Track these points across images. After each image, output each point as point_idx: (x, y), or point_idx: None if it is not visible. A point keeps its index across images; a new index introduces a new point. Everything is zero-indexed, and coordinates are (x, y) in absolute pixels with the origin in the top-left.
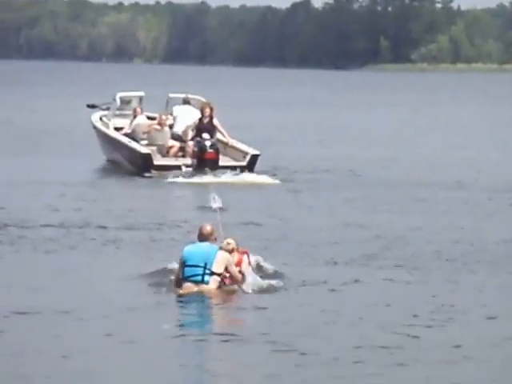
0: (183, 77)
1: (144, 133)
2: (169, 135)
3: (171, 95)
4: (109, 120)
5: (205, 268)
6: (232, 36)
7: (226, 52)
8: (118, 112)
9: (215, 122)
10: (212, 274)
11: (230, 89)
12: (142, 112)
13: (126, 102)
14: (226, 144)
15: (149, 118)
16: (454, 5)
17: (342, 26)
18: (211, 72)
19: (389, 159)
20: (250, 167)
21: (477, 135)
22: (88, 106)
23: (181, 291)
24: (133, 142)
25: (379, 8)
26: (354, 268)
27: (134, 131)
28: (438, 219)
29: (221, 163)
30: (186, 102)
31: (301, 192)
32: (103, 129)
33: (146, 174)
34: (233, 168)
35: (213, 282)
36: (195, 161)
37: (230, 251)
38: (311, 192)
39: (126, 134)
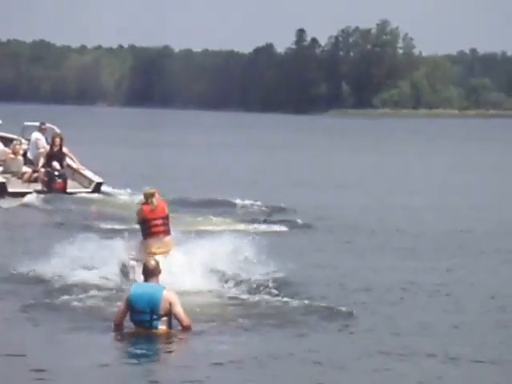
0: (146, 120)
1: (0, 160)
2: (22, 163)
3: (26, 123)
4: None
5: (152, 313)
6: (195, 80)
7: (189, 95)
8: None
9: (64, 150)
10: (159, 317)
11: (192, 132)
12: None
13: None
14: (74, 170)
15: (3, 138)
16: (416, 51)
17: (304, 71)
18: (174, 115)
19: (351, 204)
20: (96, 193)
21: (451, 179)
22: None
23: (129, 334)
24: None
25: (341, 53)
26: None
27: None
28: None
29: (69, 189)
30: (41, 129)
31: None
32: None
33: (1, 200)
34: (80, 194)
35: (162, 324)
36: (45, 188)
37: (152, 194)
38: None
39: None
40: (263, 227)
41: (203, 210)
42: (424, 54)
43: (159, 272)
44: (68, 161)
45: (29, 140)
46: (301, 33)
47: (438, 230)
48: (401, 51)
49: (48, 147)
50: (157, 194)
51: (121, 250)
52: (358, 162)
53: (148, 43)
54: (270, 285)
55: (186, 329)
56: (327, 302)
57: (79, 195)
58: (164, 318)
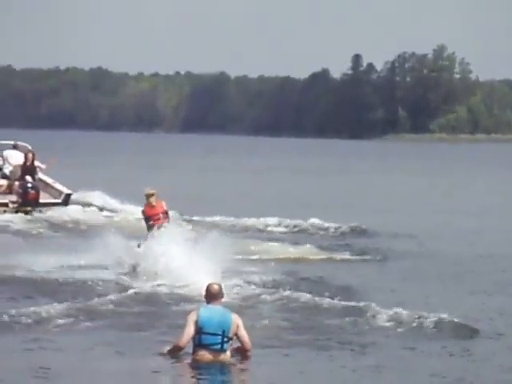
0: (202, 146)
1: None
2: None
3: (0, 142)
4: None
5: (223, 336)
6: (251, 106)
7: (244, 122)
8: None
9: (36, 163)
10: (229, 340)
11: (248, 158)
12: None
13: None
14: (46, 183)
15: None
16: (472, 76)
17: (360, 96)
18: (230, 141)
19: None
20: (65, 203)
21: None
22: None
23: (197, 358)
24: None
25: (397, 78)
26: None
27: None
28: None
29: (41, 200)
30: (15, 147)
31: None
32: None
33: None
34: (51, 204)
35: (228, 349)
36: (20, 199)
37: (151, 195)
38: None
39: None
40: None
41: (285, 236)
42: (481, 79)
43: (222, 296)
44: (40, 175)
45: (1, 157)
46: (357, 58)
47: None
48: (457, 76)
49: (21, 162)
50: (155, 195)
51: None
52: (425, 186)
53: (204, 70)
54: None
55: (247, 351)
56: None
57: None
58: (230, 342)
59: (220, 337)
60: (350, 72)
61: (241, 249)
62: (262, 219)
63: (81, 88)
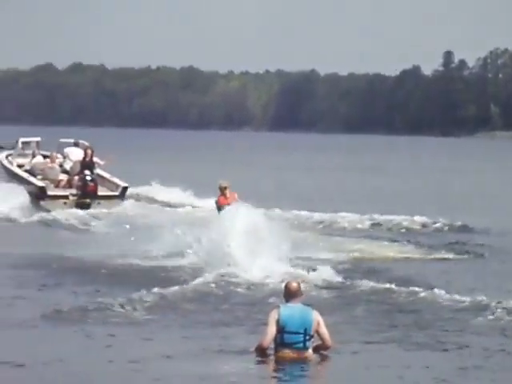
0: (292, 144)
1: (40, 169)
2: (59, 171)
3: (61, 140)
4: (13, 159)
5: (305, 334)
6: (340, 103)
7: (334, 119)
8: (19, 152)
9: (95, 159)
10: (310, 337)
11: (338, 155)
12: (38, 153)
13: (25, 144)
14: (103, 177)
15: (44, 156)
16: None
17: (451, 93)
18: (320, 139)
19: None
20: (122, 196)
21: None
22: None
23: (280, 356)
24: (31, 176)
25: (489, 75)
26: None
27: (32, 168)
28: None
29: (99, 193)
30: (75, 144)
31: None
32: (9, 166)
33: (41, 202)
34: (108, 197)
35: (310, 346)
36: (80, 192)
37: (225, 187)
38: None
39: (26, 170)
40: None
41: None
42: None
43: (301, 293)
44: (98, 170)
45: (63, 154)
46: (448, 55)
47: None
48: None
49: (81, 158)
50: (228, 187)
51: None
52: None
53: (294, 67)
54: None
55: (328, 348)
56: None
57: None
58: (312, 339)
59: (302, 335)
60: (441, 69)
61: (337, 247)
62: (362, 216)
63: (171, 87)
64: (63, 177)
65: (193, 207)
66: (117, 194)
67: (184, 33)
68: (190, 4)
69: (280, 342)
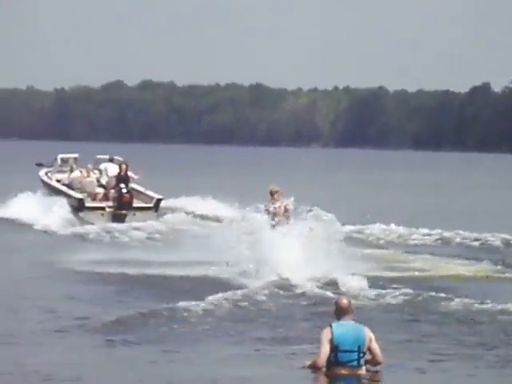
0: (360, 161)
1: (78, 183)
2: (95, 184)
3: (98, 156)
4: (52, 175)
5: (359, 352)
6: (409, 120)
7: (403, 136)
8: (58, 169)
9: (129, 174)
10: (364, 354)
11: (408, 172)
12: (76, 168)
13: (64, 161)
14: (138, 191)
15: (81, 171)
16: None
17: None
18: (389, 156)
19: None
20: (156, 208)
21: None
22: (36, 164)
23: (334, 375)
24: (70, 190)
25: None
26: None
27: (70, 182)
28: None
29: (135, 204)
30: (110, 160)
31: None
32: (49, 181)
33: (80, 214)
34: (144, 208)
35: (363, 364)
36: (116, 204)
37: (275, 192)
38: None
39: (64, 184)
40: None
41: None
42: None
43: (352, 311)
44: (132, 184)
45: (99, 170)
46: None
47: None
48: None
49: (117, 173)
50: (278, 192)
51: None
52: None
53: (363, 84)
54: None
55: (379, 364)
56: None
57: None
58: (366, 356)
59: (356, 353)
60: (511, 86)
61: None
62: (440, 232)
63: (240, 104)
64: (100, 190)
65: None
66: (151, 205)
67: (252, 50)
68: (259, 21)
69: (334, 360)
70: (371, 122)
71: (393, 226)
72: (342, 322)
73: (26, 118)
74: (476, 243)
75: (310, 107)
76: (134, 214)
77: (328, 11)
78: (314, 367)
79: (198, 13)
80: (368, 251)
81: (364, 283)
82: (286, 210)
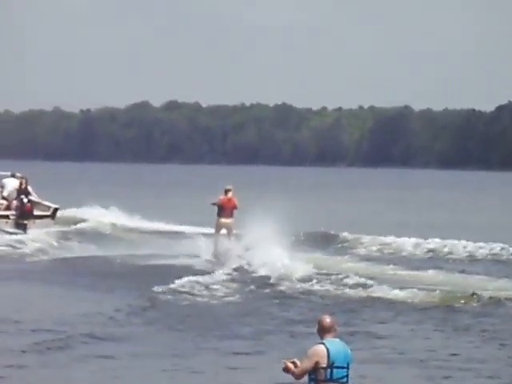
0: (386, 180)
1: None
2: None
3: (0, 173)
4: None
5: (347, 368)
6: (435, 139)
7: (429, 155)
8: None
9: (29, 188)
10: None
11: (433, 192)
12: None
13: None
14: (37, 202)
15: None
16: None
17: None
18: (414, 175)
19: None
20: (53, 216)
21: None
22: None
23: None
24: None
25: None
26: None
27: None
28: None
29: (35, 213)
30: (12, 175)
31: None
32: None
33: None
34: (43, 216)
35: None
36: (18, 212)
37: (229, 190)
38: None
39: None
40: None
41: None
42: None
43: (335, 329)
44: (31, 197)
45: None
46: None
47: None
48: None
49: (18, 186)
50: (231, 191)
51: None
52: None
53: (388, 103)
54: None
55: None
56: None
57: None
58: None
59: (346, 370)
60: None
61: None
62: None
63: (265, 123)
64: (2, 201)
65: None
66: (49, 213)
67: (277, 70)
68: (283, 41)
69: (329, 377)
70: (396, 142)
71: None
72: (330, 339)
73: (52, 139)
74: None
75: (334, 127)
76: (34, 222)
77: (353, 30)
78: (294, 377)
79: (222, 33)
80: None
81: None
82: (235, 207)
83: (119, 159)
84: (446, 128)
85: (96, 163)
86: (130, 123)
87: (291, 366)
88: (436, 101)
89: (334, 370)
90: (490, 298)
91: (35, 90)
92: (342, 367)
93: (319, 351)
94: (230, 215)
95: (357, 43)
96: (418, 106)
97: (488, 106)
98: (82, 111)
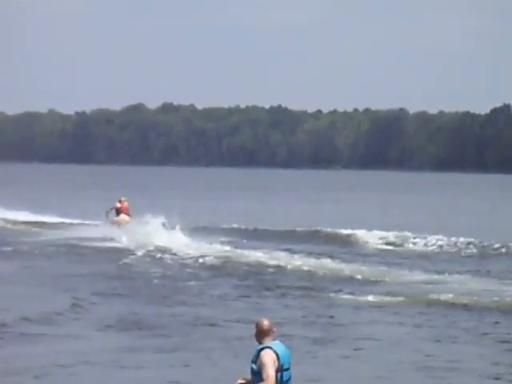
0: (381, 182)
1: None
2: None
3: None
4: None
5: (290, 370)
6: (430, 141)
7: (424, 157)
8: None
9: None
10: None
11: (429, 194)
12: None
13: None
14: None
15: None
16: None
17: None
18: (409, 177)
19: None
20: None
21: None
22: None
23: None
24: None
25: None
26: None
27: None
28: None
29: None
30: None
31: None
32: None
33: None
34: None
35: None
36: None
37: (124, 200)
38: None
39: None
40: None
41: None
42: None
43: (273, 331)
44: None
45: None
46: None
47: None
48: None
49: None
50: (126, 200)
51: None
52: None
53: (383, 106)
54: None
55: None
56: None
57: None
58: None
59: (289, 372)
60: None
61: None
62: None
63: (260, 126)
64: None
65: None
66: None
67: (272, 72)
68: (278, 44)
69: (280, 381)
70: (392, 144)
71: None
72: (273, 342)
73: (47, 141)
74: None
75: (330, 129)
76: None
77: (348, 33)
78: None
79: (218, 36)
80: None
81: None
82: (127, 210)
83: (115, 161)
84: (441, 130)
85: (92, 165)
86: (126, 125)
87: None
88: (431, 103)
89: (284, 373)
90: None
91: (30, 92)
92: (288, 369)
93: (268, 357)
94: (126, 214)
95: (352, 45)
96: (413, 108)
97: (483, 109)
98: (77, 113)
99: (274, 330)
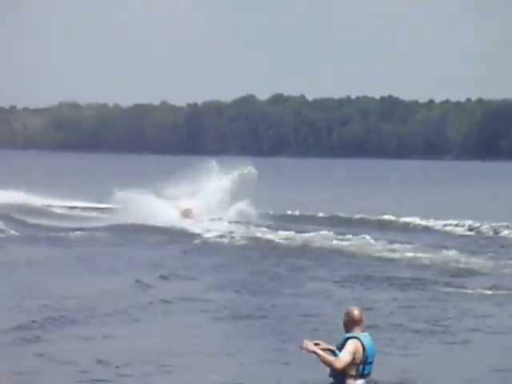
0: (495, 173)
1: None
2: None
3: None
4: None
5: (372, 363)
6: None
7: None
8: None
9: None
10: None
11: None
12: None
13: None
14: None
15: None
16: None
17: None
18: None
19: None
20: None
21: None
22: None
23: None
24: None
25: None
26: None
27: None
28: None
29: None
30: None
31: None
32: None
33: None
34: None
35: None
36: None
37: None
38: None
39: None
40: None
41: None
42: None
43: (364, 322)
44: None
45: None
46: None
47: None
48: None
49: None
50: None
51: None
52: None
53: (497, 96)
54: None
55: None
56: None
57: None
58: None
59: (372, 365)
60: None
61: None
62: None
63: (371, 116)
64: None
65: None
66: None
67: (383, 62)
68: (390, 34)
69: (361, 373)
70: (505, 134)
71: None
72: (362, 334)
73: (159, 133)
74: None
75: (442, 119)
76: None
77: (461, 21)
78: (331, 366)
79: (327, 26)
80: None
81: None
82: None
83: (225, 153)
84: None
85: (203, 156)
86: (237, 117)
87: (321, 352)
88: None
89: (367, 366)
90: None
91: (144, 84)
92: (371, 362)
93: (353, 346)
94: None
95: (464, 36)
96: None
97: None
98: (188, 105)
99: (364, 320)
